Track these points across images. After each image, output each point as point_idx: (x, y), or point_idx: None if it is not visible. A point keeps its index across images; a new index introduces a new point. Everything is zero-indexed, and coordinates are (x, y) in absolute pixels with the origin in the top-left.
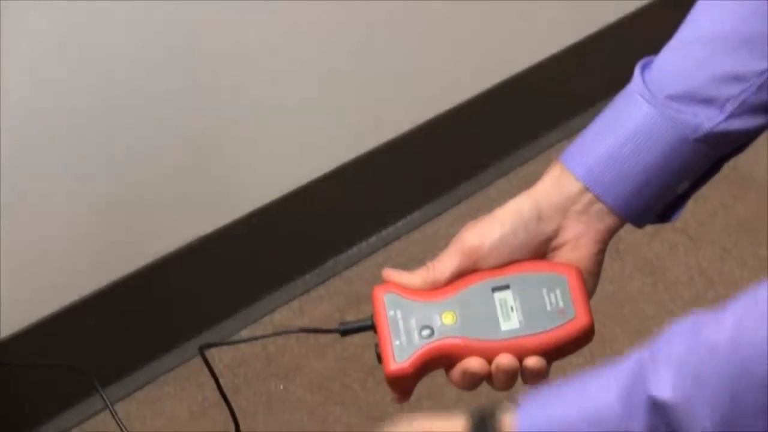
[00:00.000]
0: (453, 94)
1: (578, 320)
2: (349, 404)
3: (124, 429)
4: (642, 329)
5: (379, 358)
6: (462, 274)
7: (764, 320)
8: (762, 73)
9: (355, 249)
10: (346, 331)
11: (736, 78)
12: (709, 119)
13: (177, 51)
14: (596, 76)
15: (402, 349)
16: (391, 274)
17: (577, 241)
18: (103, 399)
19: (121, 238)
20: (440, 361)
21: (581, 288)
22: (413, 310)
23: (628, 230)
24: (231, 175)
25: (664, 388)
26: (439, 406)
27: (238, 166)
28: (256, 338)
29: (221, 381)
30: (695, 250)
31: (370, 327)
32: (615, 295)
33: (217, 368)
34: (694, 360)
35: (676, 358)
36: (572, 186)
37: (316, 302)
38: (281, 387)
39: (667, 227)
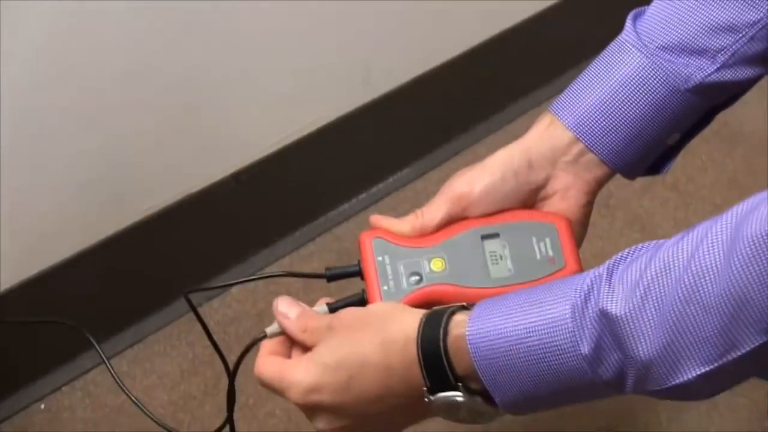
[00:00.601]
0: (441, 51)
1: (568, 269)
2: None
3: (119, 382)
4: None
5: (366, 303)
6: (451, 221)
7: (720, 244)
8: (755, 23)
9: (345, 206)
10: (332, 276)
11: (729, 28)
12: (700, 70)
13: (160, 14)
14: (585, 32)
15: (390, 294)
16: (380, 219)
17: (566, 192)
18: (99, 352)
19: (111, 195)
20: (428, 308)
21: (570, 237)
22: (401, 256)
23: (618, 186)
24: (220, 132)
25: (615, 302)
26: None
27: (227, 124)
28: (241, 281)
29: (214, 338)
30: (685, 206)
31: (358, 273)
32: (604, 250)
33: (208, 325)
34: (648, 277)
35: (630, 274)
36: (562, 136)
37: (306, 259)
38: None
39: (656, 183)
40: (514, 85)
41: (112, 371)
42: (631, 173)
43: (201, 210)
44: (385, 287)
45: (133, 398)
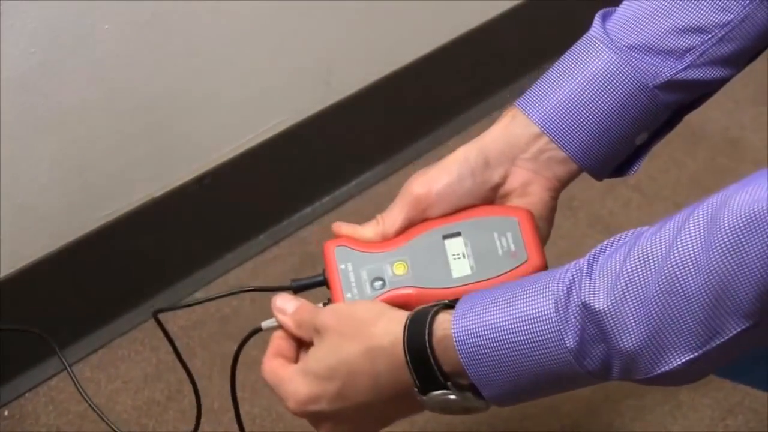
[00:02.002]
0: (403, 53)
1: (531, 263)
2: None
3: (81, 390)
4: None
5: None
6: (411, 225)
7: (698, 234)
8: (723, 25)
9: (308, 209)
10: (299, 288)
11: (698, 29)
12: (669, 68)
13: (120, 14)
14: (546, 35)
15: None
16: (342, 227)
17: (525, 188)
18: (61, 360)
19: (73, 200)
20: None
21: (533, 230)
22: (364, 262)
23: (581, 187)
24: (182, 136)
25: (597, 296)
26: None
27: (189, 127)
28: (209, 299)
29: (177, 343)
30: (648, 206)
31: (323, 282)
32: (568, 251)
33: (172, 331)
34: (628, 269)
35: (611, 266)
36: (523, 132)
37: (270, 263)
38: (235, 349)
39: (619, 184)
40: (476, 88)
41: (74, 379)
42: (599, 172)
43: (164, 214)
44: (349, 294)
45: (95, 408)
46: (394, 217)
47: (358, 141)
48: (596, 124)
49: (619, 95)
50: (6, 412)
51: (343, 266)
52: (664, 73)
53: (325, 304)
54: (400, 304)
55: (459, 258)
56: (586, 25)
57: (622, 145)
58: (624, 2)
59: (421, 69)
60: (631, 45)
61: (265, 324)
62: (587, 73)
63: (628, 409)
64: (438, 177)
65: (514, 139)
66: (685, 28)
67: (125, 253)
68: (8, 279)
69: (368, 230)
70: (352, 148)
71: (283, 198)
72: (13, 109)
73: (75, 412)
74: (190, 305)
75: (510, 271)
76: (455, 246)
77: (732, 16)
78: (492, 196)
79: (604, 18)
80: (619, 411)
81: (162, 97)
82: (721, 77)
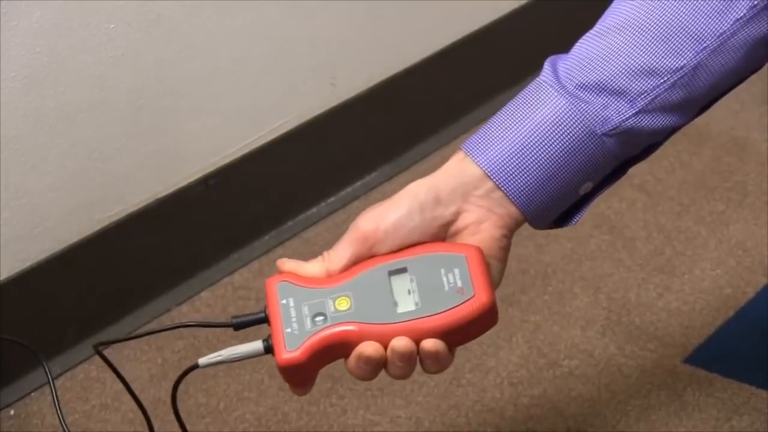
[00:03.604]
0: (409, 53)
1: (477, 299)
2: None
3: (58, 410)
4: (600, 286)
5: (272, 350)
6: (358, 261)
7: None
8: (677, 70)
9: (314, 209)
10: (239, 325)
11: (651, 72)
12: (618, 113)
13: (125, 15)
14: (553, 35)
15: (293, 337)
16: (286, 263)
17: (478, 226)
18: (46, 373)
19: (78, 201)
20: (335, 349)
21: (482, 267)
22: (306, 297)
23: None
24: (188, 136)
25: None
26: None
27: (194, 128)
28: (151, 333)
29: (180, 344)
30: (653, 207)
31: (264, 319)
32: (573, 252)
33: (180, 332)
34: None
35: (576, 49)
36: (474, 171)
37: (275, 263)
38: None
39: (624, 184)
40: (481, 88)
41: (54, 394)
42: (539, 220)
43: (170, 214)
44: (288, 330)
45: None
46: (340, 254)
47: (363, 142)
48: (542, 170)
49: (567, 141)
50: (12, 412)
51: (284, 301)
52: (614, 118)
53: (265, 341)
54: (340, 339)
55: (404, 294)
56: (588, 26)
57: (566, 194)
58: (576, 45)
59: (426, 70)
60: (582, 84)
61: (202, 360)
62: (535, 119)
63: (633, 409)
64: (386, 213)
65: (466, 177)
66: (638, 69)
67: (130, 253)
68: (13, 279)
69: (312, 266)
70: (358, 149)
71: (288, 198)
72: (18, 109)
73: (81, 411)
74: (132, 338)
75: (456, 306)
76: (400, 282)
77: (685, 62)
78: (442, 234)
79: (554, 63)
80: (624, 411)
81: (167, 97)
82: (671, 125)
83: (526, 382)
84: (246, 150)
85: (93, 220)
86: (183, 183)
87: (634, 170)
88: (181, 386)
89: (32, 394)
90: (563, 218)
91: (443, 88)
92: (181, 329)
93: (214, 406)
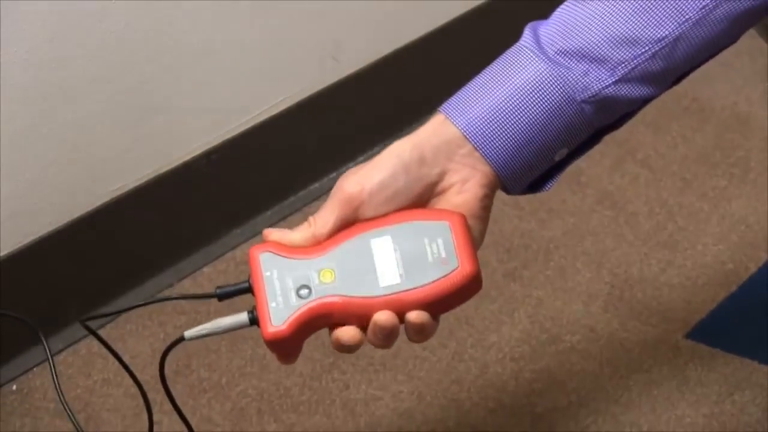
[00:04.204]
0: (412, 28)
1: (461, 270)
2: (311, 339)
3: (58, 387)
4: (603, 262)
5: (257, 322)
6: (345, 225)
7: None
8: (659, 40)
9: (316, 185)
10: (223, 295)
11: (632, 41)
12: (598, 80)
13: None
14: None
15: (279, 311)
16: (272, 233)
17: (463, 185)
18: (46, 351)
19: (80, 177)
20: (320, 321)
21: (465, 236)
22: (290, 269)
23: (589, 163)
24: (189, 111)
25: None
26: None
27: (196, 103)
28: (134, 307)
29: (183, 318)
30: (656, 182)
31: (248, 289)
32: (576, 228)
33: (180, 305)
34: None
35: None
36: (454, 132)
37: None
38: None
39: (627, 159)
40: (487, 62)
41: (53, 372)
42: (513, 184)
43: (172, 189)
44: (273, 304)
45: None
46: (325, 217)
47: (366, 116)
48: (519, 134)
49: (545, 107)
50: (14, 387)
51: (268, 273)
52: (593, 86)
53: (250, 312)
54: (324, 313)
55: (387, 265)
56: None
57: (542, 158)
58: (557, 10)
59: (431, 44)
60: (563, 50)
61: (188, 333)
62: (515, 82)
63: (635, 384)
64: (371, 174)
65: (448, 137)
66: (619, 38)
67: (133, 228)
68: (15, 254)
69: (298, 234)
70: (360, 124)
71: (290, 173)
72: (18, 86)
73: (84, 386)
74: (118, 312)
75: (440, 279)
76: (384, 253)
77: (667, 33)
78: (427, 194)
79: (535, 29)
80: (626, 386)
81: (169, 73)
82: (647, 95)
83: (528, 357)
84: (248, 125)
85: (94, 196)
86: (185, 158)
87: (636, 145)
88: (183, 361)
89: (34, 369)
90: (536, 184)
91: (446, 63)
92: (183, 303)
93: (216, 381)
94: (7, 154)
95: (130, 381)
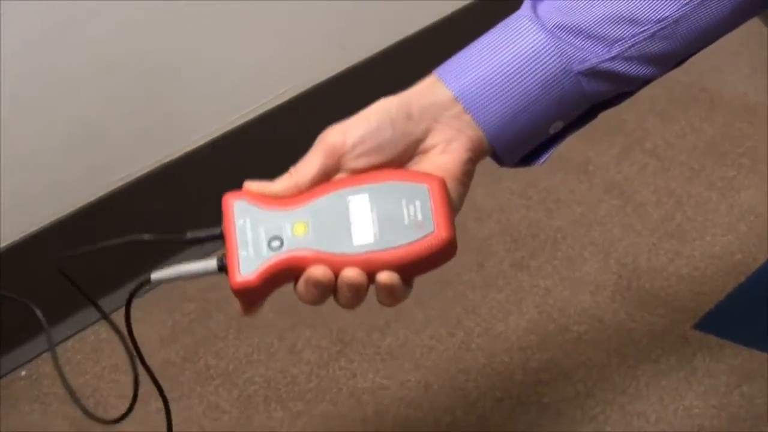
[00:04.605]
0: (419, 17)
1: (437, 235)
2: (318, 327)
3: (60, 373)
4: (610, 251)
5: (225, 269)
6: (326, 175)
7: None
8: (658, 21)
9: None
10: (193, 240)
11: (632, 21)
12: (595, 55)
13: None
14: None
15: (249, 260)
16: (252, 184)
17: (448, 145)
18: (48, 338)
19: (86, 165)
20: (289, 274)
21: (443, 200)
22: (263, 220)
23: (597, 152)
24: (196, 100)
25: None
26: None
27: (202, 91)
28: (107, 245)
29: (191, 306)
30: (663, 171)
31: (219, 237)
32: (583, 217)
33: (188, 293)
34: None
35: None
36: (446, 95)
37: None
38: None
39: (635, 149)
40: None
41: (54, 358)
42: (506, 154)
43: (178, 178)
44: (244, 252)
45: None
46: (308, 166)
47: (371, 105)
48: (514, 102)
49: (542, 76)
50: (23, 373)
51: (241, 222)
52: (591, 59)
53: (219, 260)
54: (294, 266)
55: (362, 224)
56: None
57: (536, 130)
58: None
59: (438, 33)
60: (560, 25)
61: (155, 275)
62: (513, 49)
63: (642, 375)
64: (356, 125)
65: (438, 98)
66: (618, 17)
67: (138, 216)
68: (23, 241)
69: (279, 184)
70: None
71: (296, 162)
72: (27, 71)
73: (92, 372)
74: (91, 251)
75: (414, 242)
76: (360, 211)
77: (668, 14)
78: (410, 151)
79: (534, 2)
80: (634, 376)
81: (175, 61)
82: (646, 76)
83: (536, 346)
84: (254, 114)
85: (101, 184)
86: (191, 146)
87: (645, 134)
88: (191, 348)
89: (43, 355)
90: (530, 158)
91: (454, 52)
92: (190, 290)
93: (223, 369)
94: (11, 143)
95: (138, 368)
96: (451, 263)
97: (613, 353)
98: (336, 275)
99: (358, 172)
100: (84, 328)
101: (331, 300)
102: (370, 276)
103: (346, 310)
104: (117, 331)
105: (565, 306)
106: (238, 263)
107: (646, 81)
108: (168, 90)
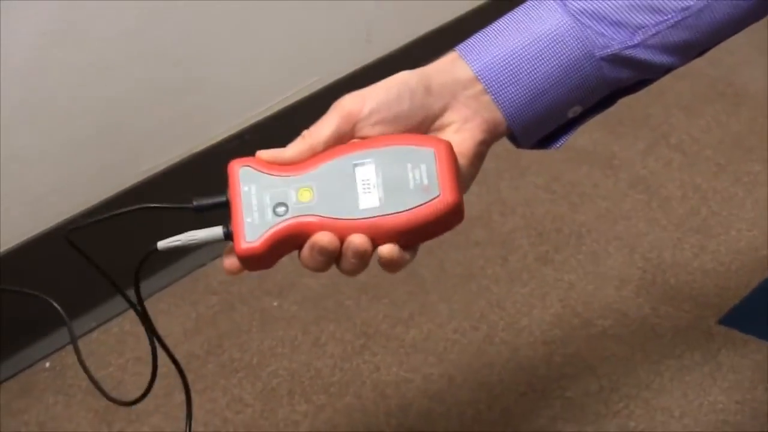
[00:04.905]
0: (447, 9)
1: (442, 199)
2: (342, 321)
3: (84, 366)
4: (636, 246)
5: (231, 236)
6: (339, 140)
7: None
8: (682, 10)
9: None
10: (199, 208)
11: (655, 9)
12: (618, 41)
13: None
14: None
15: (254, 227)
16: (264, 153)
17: (463, 124)
18: (70, 332)
19: (111, 157)
20: (295, 240)
21: (450, 164)
22: (269, 186)
23: (622, 146)
24: (222, 91)
25: None
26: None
27: (229, 83)
28: (115, 214)
29: (215, 299)
30: (689, 167)
31: (225, 204)
32: (608, 212)
33: (211, 286)
34: None
35: None
36: (466, 73)
37: None
38: (275, 304)
39: (660, 144)
40: None
41: (77, 353)
42: (524, 136)
43: (205, 169)
44: (249, 219)
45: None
46: (322, 129)
47: None
48: (534, 83)
49: (564, 59)
50: (47, 364)
51: (246, 188)
52: (613, 45)
53: (225, 227)
54: (299, 232)
55: (368, 188)
56: None
57: (555, 113)
58: None
59: (463, 26)
60: (584, 9)
61: (161, 244)
62: (536, 31)
63: (666, 370)
64: (374, 94)
65: (458, 76)
66: (642, 5)
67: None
68: (48, 233)
69: (291, 149)
70: None
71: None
72: (50, 63)
73: (116, 364)
74: (100, 220)
75: (419, 206)
76: (365, 175)
77: (691, 3)
78: (425, 126)
79: None
80: (658, 371)
81: (202, 53)
82: (667, 64)
83: (560, 341)
84: (281, 105)
85: (128, 175)
86: (218, 138)
87: (670, 129)
88: (215, 341)
89: (67, 346)
90: (547, 140)
91: None
92: (215, 284)
93: (247, 362)
94: (38, 134)
95: (162, 360)
96: (475, 257)
97: (637, 348)
98: (341, 241)
99: None
100: (108, 320)
101: (355, 294)
102: (375, 241)
103: (348, 277)
104: (128, 301)
105: (589, 300)
106: (244, 230)
107: (667, 69)
108: (194, 82)
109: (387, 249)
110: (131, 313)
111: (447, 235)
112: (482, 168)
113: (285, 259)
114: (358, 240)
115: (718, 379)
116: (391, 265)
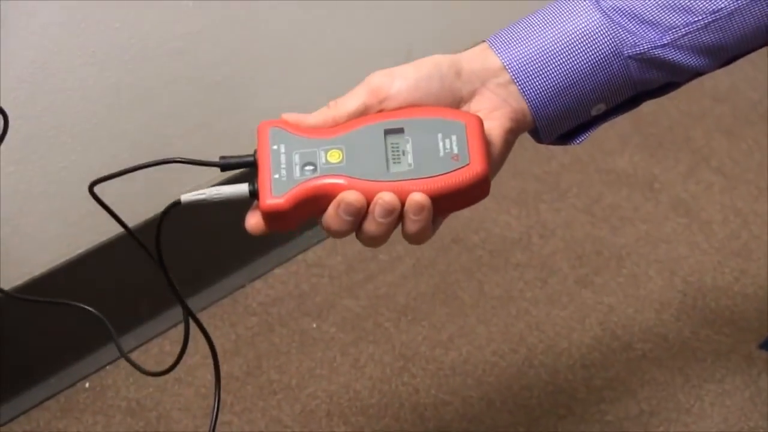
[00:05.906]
0: (487, 29)
1: (471, 168)
2: (382, 343)
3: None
4: (676, 270)
5: (257, 195)
6: (366, 113)
7: None
8: (713, 12)
9: None
10: (226, 166)
11: (686, 9)
12: (648, 40)
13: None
14: None
15: (280, 183)
16: (289, 115)
17: (491, 112)
18: (116, 345)
19: (154, 176)
20: (321, 200)
21: (480, 137)
22: (298, 146)
23: (663, 169)
24: (264, 111)
25: None
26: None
27: (270, 103)
28: (140, 167)
29: (254, 320)
30: (730, 190)
31: (252, 163)
32: (649, 234)
33: (251, 307)
34: None
35: None
36: (496, 63)
37: (350, 241)
38: (314, 326)
39: (701, 166)
40: None
41: (129, 359)
42: (546, 130)
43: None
44: (276, 175)
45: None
46: (348, 102)
47: None
48: (561, 78)
49: (592, 56)
50: (87, 384)
51: (275, 147)
52: (642, 44)
53: (251, 184)
54: (326, 191)
55: (397, 153)
56: None
57: (580, 109)
58: None
59: None
60: (616, 7)
61: (185, 197)
62: (567, 27)
63: (707, 394)
64: (404, 72)
65: (488, 65)
66: (673, 5)
67: (205, 229)
68: (91, 252)
69: (316, 116)
70: None
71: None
72: (96, 85)
73: (155, 385)
74: (125, 172)
75: (449, 172)
76: (396, 141)
77: (723, 5)
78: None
79: None
80: (698, 395)
81: (244, 74)
82: (695, 67)
83: (599, 364)
84: None
85: (168, 195)
86: None
87: (711, 152)
88: (254, 362)
89: (107, 367)
90: (567, 137)
91: None
92: (254, 305)
93: (286, 383)
94: (82, 153)
95: (201, 381)
96: (514, 279)
97: (677, 372)
98: (368, 202)
99: None
100: (148, 341)
101: (394, 316)
102: (403, 204)
103: (369, 246)
104: (146, 250)
105: (629, 324)
106: (270, 186)
107: (695, 73)
108: (235, 103)
109: (419, 195)
110: (171, 333)
111: (486, 258)
112: (522, 190)
113: (324, 281)
114: (387, 196)
115: (759, 404)
116: (419, 214)
